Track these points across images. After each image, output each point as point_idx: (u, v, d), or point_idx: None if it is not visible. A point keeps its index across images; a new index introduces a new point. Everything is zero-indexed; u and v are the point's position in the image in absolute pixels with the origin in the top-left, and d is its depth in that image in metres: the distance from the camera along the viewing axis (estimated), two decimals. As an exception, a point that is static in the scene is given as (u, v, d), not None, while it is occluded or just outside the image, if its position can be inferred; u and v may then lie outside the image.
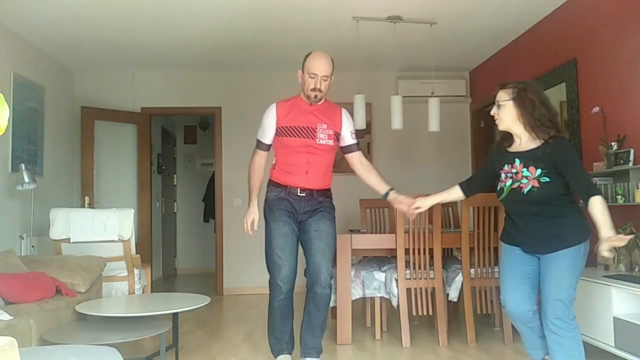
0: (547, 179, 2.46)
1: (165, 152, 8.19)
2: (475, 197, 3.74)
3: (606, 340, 3.08)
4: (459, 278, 3.92)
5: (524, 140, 2.59)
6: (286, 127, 3.14)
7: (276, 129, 3.17)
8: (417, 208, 3.01)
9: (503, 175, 2.62)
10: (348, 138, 3.26)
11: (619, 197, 3.56)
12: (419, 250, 3.87)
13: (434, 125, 5.06)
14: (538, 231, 2.54)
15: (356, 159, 3.30)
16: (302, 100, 3.20)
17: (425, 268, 3.89)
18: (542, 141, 2.51)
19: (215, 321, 4.96)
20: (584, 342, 3.32)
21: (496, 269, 3.88)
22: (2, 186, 4.73)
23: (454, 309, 4.78)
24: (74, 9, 4.45)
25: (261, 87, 6.52)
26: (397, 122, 5.01)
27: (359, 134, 6.52)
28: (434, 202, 3.04)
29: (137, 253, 4.50)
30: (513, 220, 2.67)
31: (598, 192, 2.40)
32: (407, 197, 3.11)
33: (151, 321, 3.14)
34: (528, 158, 2.53)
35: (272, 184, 3.24)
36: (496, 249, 3.84)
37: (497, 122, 2.65)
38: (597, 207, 2.37)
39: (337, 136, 3.22)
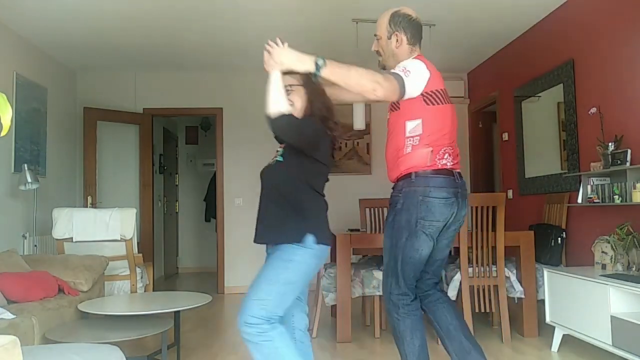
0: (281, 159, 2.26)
1: (167, 152, 8.22)
2: (474, 197, 3.79)
3: (604, 339, 3.09)
4: (457, 277, 3.95)
5: None
6: (435, 90, 2.39)
7: (423, 93, 2.35)
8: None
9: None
10: None
11: (616, 197, 3.59)
12: (417, 249, 3.90)
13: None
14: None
15: None
16: None
17: (424, 267, 3.92)
18: None
19: (217, 319, 5.00)
20: (581, 340, 3.37)
21: (494, 268, 3.91)
22: (5, 186, 4.77)
23: (453, 308, 4.80)
24: (77, 10, 4.49)
25: (262, 88, 6.49)
26: (396, 123, 5.04)
27: (358, 134, 6.58)
28: None
29: (139, 252, 4.55)
30: None
31: None
32: None
33: (153, 319, 3.16)
34: None
35: (434, 172, 2.31)
36: (494, 248, 3.87)
37: None
38: None
39: None
